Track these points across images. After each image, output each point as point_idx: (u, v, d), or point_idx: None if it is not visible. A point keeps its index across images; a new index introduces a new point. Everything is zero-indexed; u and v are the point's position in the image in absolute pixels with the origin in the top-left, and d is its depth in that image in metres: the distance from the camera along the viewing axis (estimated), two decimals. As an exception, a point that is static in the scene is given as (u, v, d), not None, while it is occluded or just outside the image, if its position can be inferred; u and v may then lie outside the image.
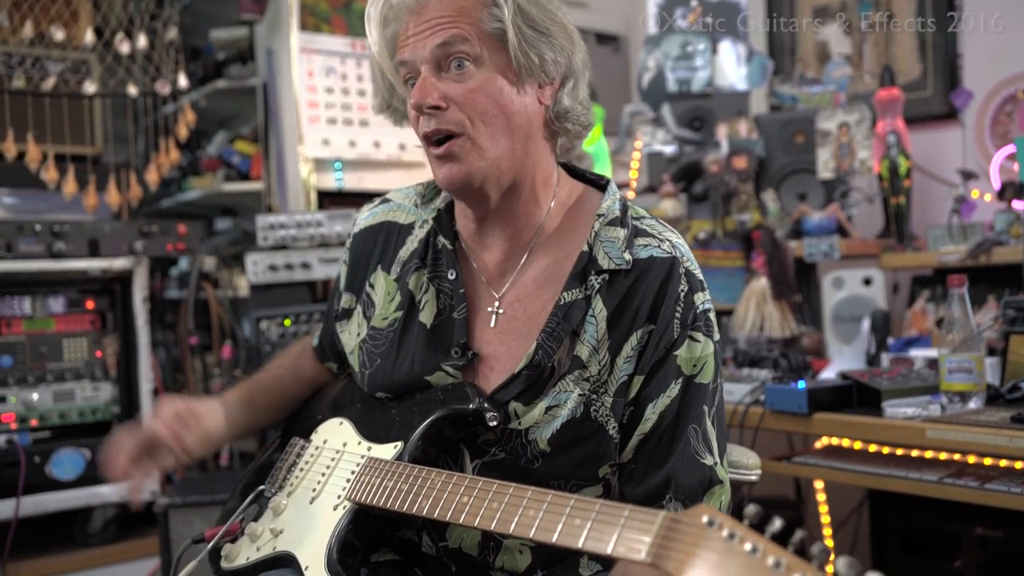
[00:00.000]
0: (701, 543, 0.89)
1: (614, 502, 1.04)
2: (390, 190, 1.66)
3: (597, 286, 1.36)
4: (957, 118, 3.10)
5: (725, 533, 0.88)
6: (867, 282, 2.84)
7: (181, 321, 3.25)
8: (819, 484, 2.69)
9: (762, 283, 2.84)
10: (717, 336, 1.39)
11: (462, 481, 1.22)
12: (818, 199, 3.07)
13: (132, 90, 3.19)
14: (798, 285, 2.91)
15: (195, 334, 3.24)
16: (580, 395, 1.33)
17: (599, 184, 1.50)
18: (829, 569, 0.81)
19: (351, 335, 1.57)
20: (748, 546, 0.85)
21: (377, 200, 1.64)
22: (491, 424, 1.34)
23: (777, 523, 0.88)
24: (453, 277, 1.45)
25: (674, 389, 1.34)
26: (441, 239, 1.49)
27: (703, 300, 1.37)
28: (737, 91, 3.35)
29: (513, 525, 1.08)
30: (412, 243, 1.52)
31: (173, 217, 3.49)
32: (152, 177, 3.23)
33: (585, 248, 1.38)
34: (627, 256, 1.36)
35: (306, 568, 1.36)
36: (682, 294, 1.35)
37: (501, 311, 1.43)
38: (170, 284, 3.46)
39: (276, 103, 3.29)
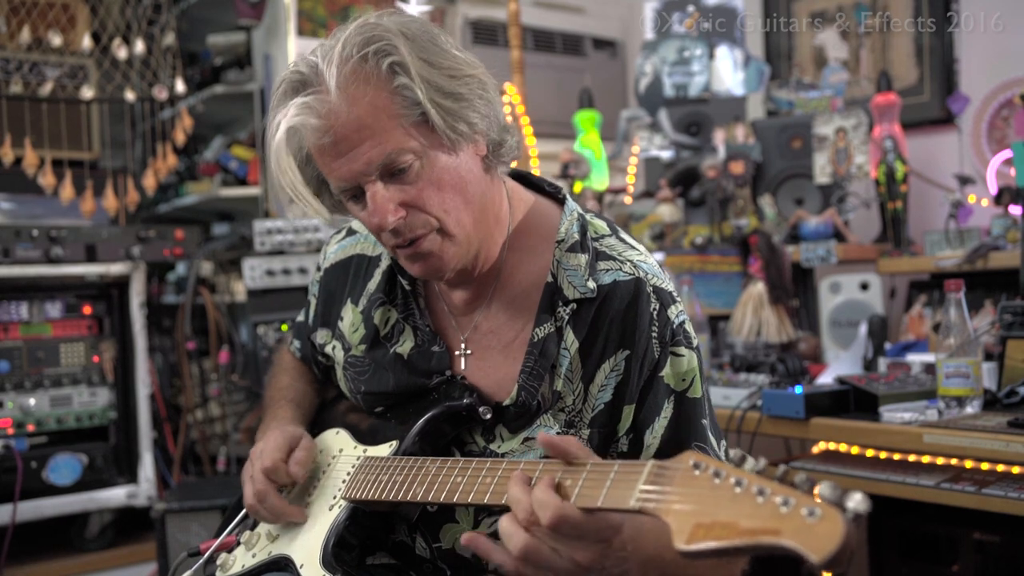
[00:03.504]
0: (686, 484, 0.92)
1: (605, 460, 1.06)
2: None
3: (567, 316, 1.35)
4: (954, 123, 3.11)
5: (711, 472, 0.91)
6: (864, 287, 2.84)
7: (178, 326, 3.24)
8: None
9: (759, 288, 2.84)
10: (696, 342, 1.38)
11: (456, 464, 1.24)
12: (815, 204, 3.07)
13: (129, 95, 3.19)
14: (795, 290, 2.91)
15: (192, 339, 3.25)
16: (558, 432, 1.33)
17: (556, 197, 1.47)
18: (814, 493, 0.83)
19: (337, 366, 1.58)
20: (733, 480, 0.88)
21: (343, 232, 1.63)
22: (484, 417, 1.36)
23: (762, 461, 0.90)
24: (419, 317, 1.46)
25: (668, 409, 1.33)
26: (402, 280, 1.48)
27: (677, 312, 1.36)
28: (734, 96, 3.35)
29: (506, 497, 1.10)
30: (378, 276, 1.52)
31: (170, 222, 3.49)
32: (149, 182, 3.23)
33: (549, 279, 1.37)
34: (591, 284, 1.35)
35: (301, 566, 1.37)
36: (655, 313, 1.34)
37: (468, 352, 1.43)
38: (167, 289, 3.46)
39: (273, 108, 3.29)
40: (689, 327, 1.38)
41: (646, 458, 1.31)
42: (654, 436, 1.33)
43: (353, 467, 1.42)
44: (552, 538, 1.03)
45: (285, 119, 1.24)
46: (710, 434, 1.36)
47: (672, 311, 1.36)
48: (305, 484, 1.49)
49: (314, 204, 1.33)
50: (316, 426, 1.61)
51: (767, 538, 0.82)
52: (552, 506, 1.01)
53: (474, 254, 1.36)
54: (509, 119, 1.38)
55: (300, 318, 1.74)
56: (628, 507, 0.96)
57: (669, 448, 1.33)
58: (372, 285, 1.52)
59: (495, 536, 1.38)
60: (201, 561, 1.51)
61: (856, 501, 0.81)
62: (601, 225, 1.45)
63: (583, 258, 1.37)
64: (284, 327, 2.92)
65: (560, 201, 1.46)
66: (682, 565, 1.14)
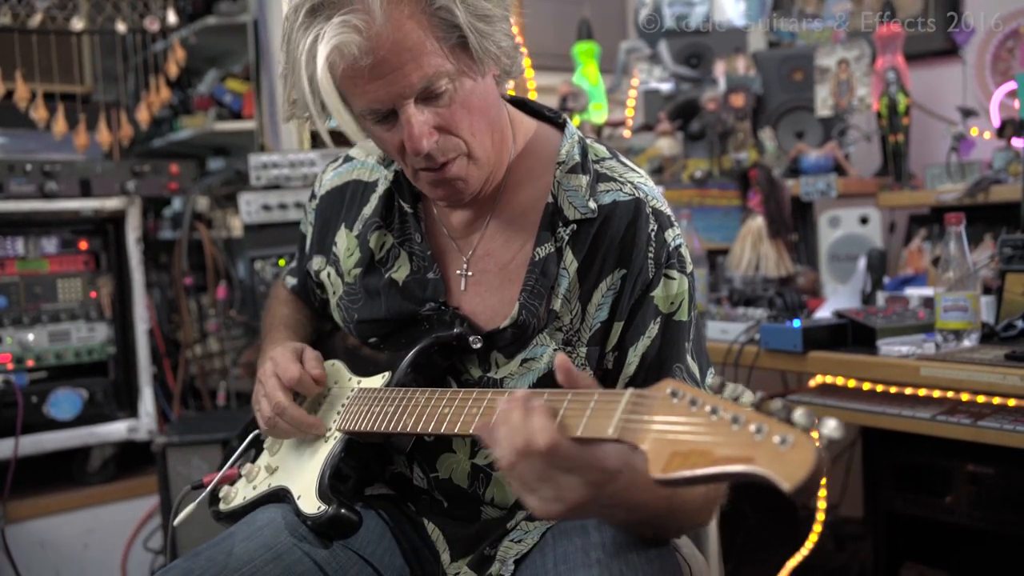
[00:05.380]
0: (663, 412, 0.92)
1: (586, 390, 1.06)
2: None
3: (567, 237, 1.36)
4: (958, 54, 3.06)
5: (687, 400, 0.91)
6: (864, 221, 2.83)
7: (175, 262, 3.24)
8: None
9: (758, 222, 2.84)
10: (690, 268, 1.39)
11: (443, 395, 1.25)
12: (816, 137, 3.05)
13: (120, 26, 3.14)
14: (794, 224, 2.91)
15: (189, 275, 3.24)
16: (555, 349, 1.35)
17: (556, 122, 1.47)
18: (789, 420, 0.83)
19: (332, 296, 1.58)
20: (709, 408, 0.88)
21: (340, 159, 1.63)
22: (474, 347, 1.37)
23: (739, 388, 0.91)
24: (420, 240, 1.45)
25: (653, 329, 1.35)
26: (402, 203, 1.48)
27: (674, 236, 1.37)
28: (735, 27, 3.31)
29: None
30: (375, 200, 1.52)
31: (165, 157, 3.46)
32: (143, 116, 3.20)
33: (550, 199, 1.38)
34: (591, 204, 1.36)
35: (298, 497, 1.38)
36: (652, 233, 1.35)
37: (469, 273, 1.43)
38: (163, 225, 3.44)
39: (267, 40, 3.25)
40: (685, 252, 1.39)
41: (625, 376, 1.35)
42: (636, 354, 1.35)
43: (348, 399, 1.43)
44: (547, 466, 1.03)
45: (326, 37, 1.19)
46: (690, 358, 1.37)
47: (669, 234, 1.37)
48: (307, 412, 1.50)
49: (353, 126, 1.30)
50: None
51: (740, 466, 0.82)
52: (550, 430, 1.01)
53: (488, 176, 1.37)
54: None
55: (295, 252, 1.73)
56: (607, 436, 0.97)
57: (650, 368, 1.35)
58: (368, 210, 1.52)
59: (491, 467, 1.40)
60: (205, 493, 1.53)
61: (830, 428, 0.81)
62: (601, 149, 1.45)
63: (584, 179, 1.38)
64: (281, 262, 2.92)
65: (560, 126, 1.46)
66: (665, 507, 1.17)
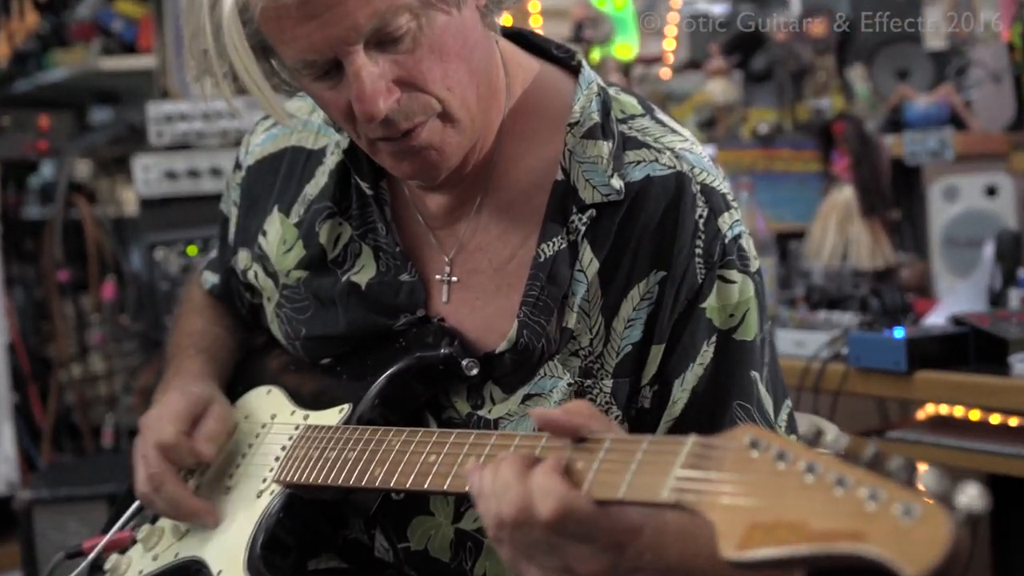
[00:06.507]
0: (738, 469, 0.90)
1: (631, 435, 1.04)
2: None
3: (583, 228, 1.35)
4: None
5: (773, 453, 0.89)
6: (991, 192, 2.83)
7: (45, 250, 3.23)
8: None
9: (846, 194, 2.84)
10: (756, 265, 1.38)
11: (429, 437, 1.23)
12: (925, 78, 3.05)
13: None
14: (895, 197, 2.90)
15: (65, 267, 3.23)
16: (570, 384, 1.34)
17: (568, 64, 1.46)
18: (915, 483, 0.82)
19: (266, 302, 1.57)
20: (803, 464, 0.86)
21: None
22: (469, 374, 1.35)
23: (844, 438, 0.89)
24: (385, 233, 1.45)
25: (707, 354, 1.33)
26: (360, 182, 1.47)
27: (732, 222, 1.36)
28: (814, -73, 3.31)
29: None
30: (323, 176, 1.51)
31: (32, 106, 3.45)
32: (1, 50, 3.19)
33: (560, 175, 1.37)
34: (616, 183, 1.34)
35: (219, 573, 1.38)
36: (700, 221, 1.34)
37: (454, 278, 1.43)
38: (29, 199, 3.43)
39: (171, -55, 3.26)
40: (747, 243, 1.37)
41: (669, 418, 1.33)
42: (683, 389, 1.34)
43: (290, 439, 1.42)
44: (552, 536, 1.02)
45: None
46: (762, 391, 1.36)
47: (725, 220, 1.35)
48: (223, 463, 1.49)
49: (267, 93, 1.28)
50: (240, 383, 1.61)
51: (846, 544, 0.80)
52: (556, 495, 1.00)
53: (473, 143, 1.36)
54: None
55: (214, 239, 1.73)
56: (660, 500, 0.95)
57: (702, 408, 1.33)
58: (313, 189, 1.51)
59: (482, 533, 1.39)
60: (84, 565, 1.51)
61: (970, 496, 0.79)
62: (630, 102, 1.43)
63: (605, 147, 1.37)
64: (192, 249, 2.91)
65: (574, 70, 1.44)
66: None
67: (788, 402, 1.41)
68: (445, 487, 1.18)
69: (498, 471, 1.04)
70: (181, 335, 1.68)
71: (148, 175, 2.95)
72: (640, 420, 1.35)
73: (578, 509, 1.00)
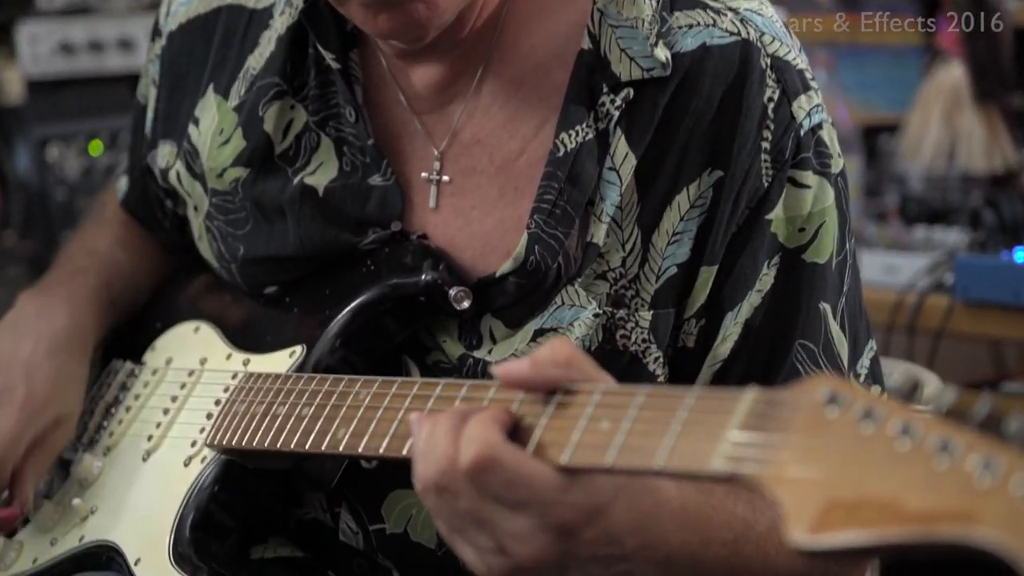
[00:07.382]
0: (815, 433, 0.90)
1: (672, 386, 1.08)
2: None
3: (616, 114, 1.36)
4: None
5: (857, 411, 0.88)
6: None
7: (-96, 147, 3.23)
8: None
9: (954, 75, 2.83)
10: (840, 166, 1.39)
11: (407, 389, 1.25)
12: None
13: None
14: (1020, 78, 2.88)
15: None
16: (596, 315, 1.35)
17: None
18: None
19: (192, 212, 1.60)
20: (898, 426, 0.85)
21: None
22: (458, 307, 1.36)
23: (950, 391, 0.87)
24: (354, 119, 1.46)
25: (767, 278, 1.35)
26: (323, 51, 1.47)
27: (810, 108, 1.38)
28: None
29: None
30: (270, 44, 1.52)
31: None
32: None
33: (586, 44, 1.37)
34: (661, 54, 1.36)
35: (136, 561, 1.39)
36: (770, 106, 1.36)
37: (445, 177, 1.44)
38: None
39: None
40: (830, 136, 1.40)
41: (714, 361, 1.36)
42: (737, 323, 1.35)
43: (226, 391, 1.44)
44: (478, 500, 1.02)
45: None
46: (834, 329, 1.37)
47: (802, 104, 1.37)
48: (136, 422, 1.53)
49: None
50: (159, 317, 1.65)
51: (951, 527, 0.79)
52: (479, 440, 1.00)
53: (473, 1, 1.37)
54: None
55: (128, 135, 1.76)
56: (710, 471, 0.95)
57: (755, 348, 1.36)
58: (257, 61, 1.53)
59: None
60: None
61: None
62: None
63: (647, 6, 1.37)
64: (96, 146, 2.92)
65: None
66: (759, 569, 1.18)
67: (872, 344, 1.43)
68: None
69: (435, 427, 1.06)
70: (76, 250, 1.72)
71: (36, 48, 2.94)
72: (677, 363, 1.37)
73: (503, 458, 1.00)
